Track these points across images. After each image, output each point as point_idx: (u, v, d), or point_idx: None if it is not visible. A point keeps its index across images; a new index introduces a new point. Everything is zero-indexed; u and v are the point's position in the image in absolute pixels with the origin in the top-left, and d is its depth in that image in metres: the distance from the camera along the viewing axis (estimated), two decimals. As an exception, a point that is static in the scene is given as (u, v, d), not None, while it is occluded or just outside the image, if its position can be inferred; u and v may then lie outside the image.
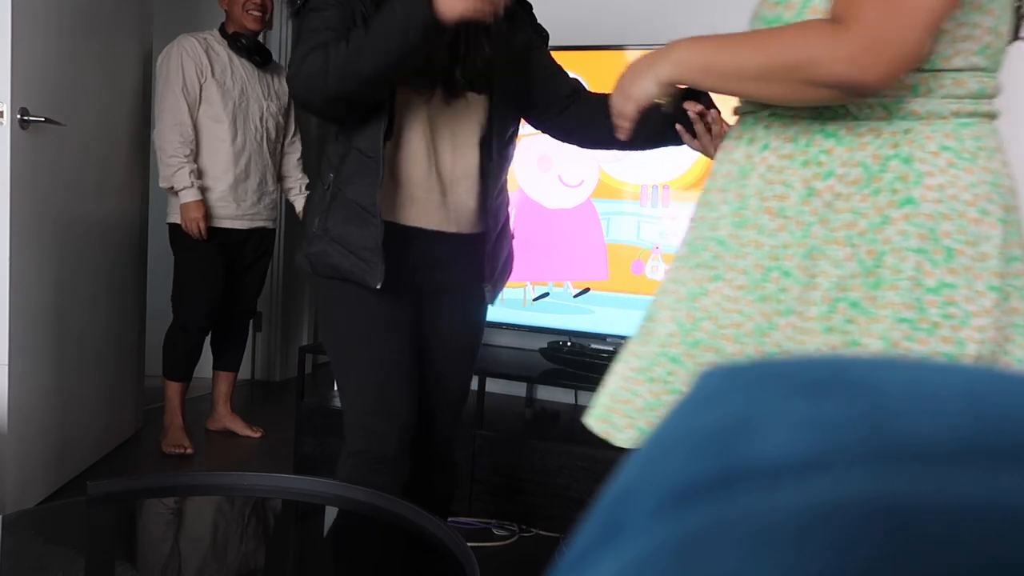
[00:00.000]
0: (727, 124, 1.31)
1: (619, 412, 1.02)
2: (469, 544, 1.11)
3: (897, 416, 0.17)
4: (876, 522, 0.15)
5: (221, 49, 2.74)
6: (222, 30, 2.78)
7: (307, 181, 2.95)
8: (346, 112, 1.44)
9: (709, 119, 1.35)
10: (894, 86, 0.87)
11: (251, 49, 2.75)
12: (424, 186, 1.51)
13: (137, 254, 2.87)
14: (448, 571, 1.12)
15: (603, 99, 1.48)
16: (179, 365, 2.80)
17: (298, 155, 2.97)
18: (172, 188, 2.65)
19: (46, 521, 1.34)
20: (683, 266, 1.02)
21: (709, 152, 1.37)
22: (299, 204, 2.92)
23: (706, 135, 1.36)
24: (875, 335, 0.89)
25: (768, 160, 0.96)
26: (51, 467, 2.34)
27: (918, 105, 0.89)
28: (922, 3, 0.80)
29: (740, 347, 0.98)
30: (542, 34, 1.65)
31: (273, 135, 2.85)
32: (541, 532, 2.23)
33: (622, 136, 1.09)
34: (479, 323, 1.71)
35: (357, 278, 1.47)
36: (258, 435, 3.01)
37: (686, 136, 1.39)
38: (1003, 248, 0.88)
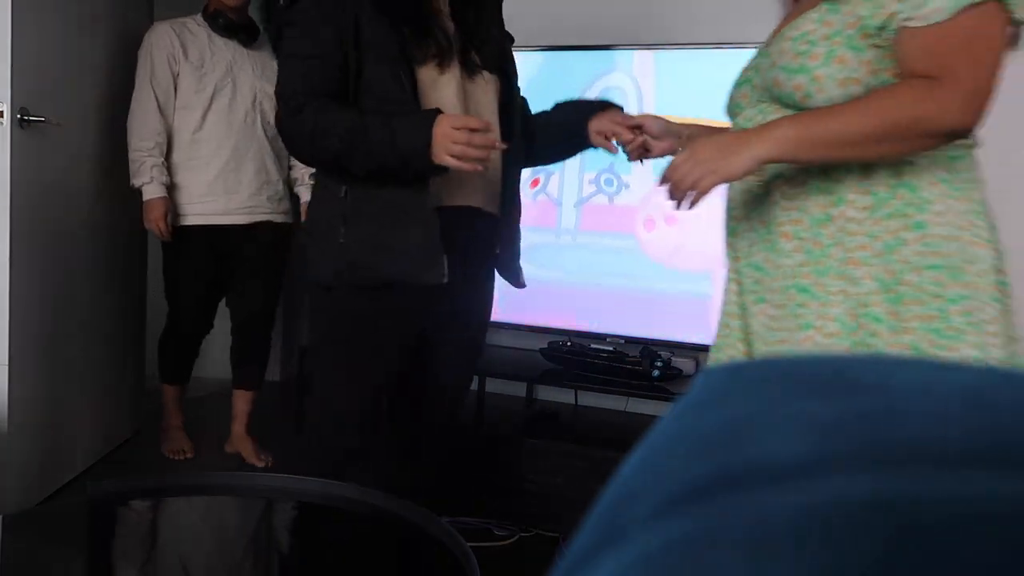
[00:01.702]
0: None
1: None
2: (469, 544, 1.11)
3: (901, 416, 0.17)
4: (879, 524, 0.15)
5: (200, 31, 2.52)
6: (205, 11, 2.56)
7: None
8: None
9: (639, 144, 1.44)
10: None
11: (232, 28, 2.52)
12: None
13: (137, 254, 2.86)
14: (448, 571, 1.12)
15: (540, 117, 1.61)
16: (169, 367, 2.71)
17: None
18: (134, 185, 2.46)
19: (46, 521, 1.34)
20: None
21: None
22: (305, 195, 2.63)
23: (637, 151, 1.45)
24: (904, 345, 1.00)
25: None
26: (51, 467, 2.33)
27: None
28: (993, 56, 0.95)
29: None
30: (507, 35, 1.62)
31: (271, 117, 2.52)
32: (541, 532, 2.23)
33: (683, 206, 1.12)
34: (485, 318, 1.68)
35: (413, 279, 1.42)
36: (262, 464, 2.65)
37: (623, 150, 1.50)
38: (995, 266, 1.02)
